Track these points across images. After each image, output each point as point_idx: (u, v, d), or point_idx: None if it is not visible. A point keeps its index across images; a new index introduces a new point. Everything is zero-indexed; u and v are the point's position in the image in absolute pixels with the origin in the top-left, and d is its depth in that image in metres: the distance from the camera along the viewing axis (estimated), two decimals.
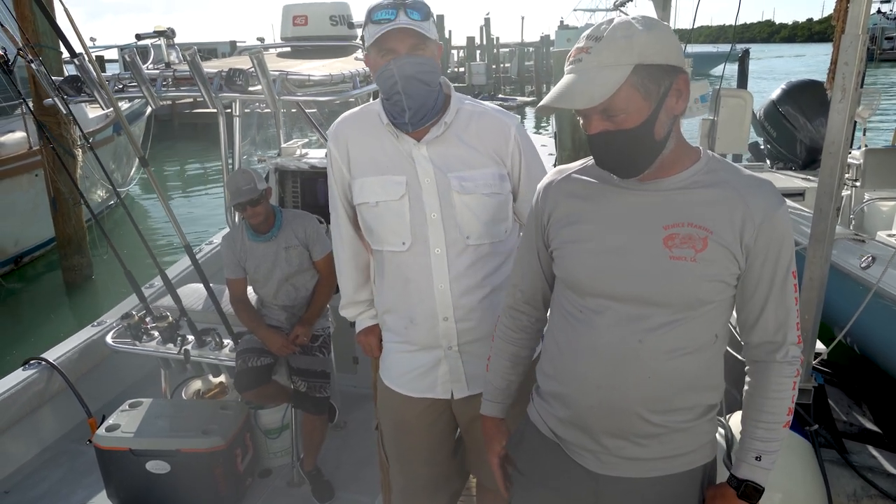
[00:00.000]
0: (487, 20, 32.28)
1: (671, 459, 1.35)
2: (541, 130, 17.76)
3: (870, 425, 2.92)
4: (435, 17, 1.66)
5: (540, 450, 1.47)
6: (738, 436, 1.54)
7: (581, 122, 1.27)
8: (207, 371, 3.30)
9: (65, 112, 2.98)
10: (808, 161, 6.62)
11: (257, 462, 3.21)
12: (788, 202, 4.94)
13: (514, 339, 1.58)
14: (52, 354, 3.59)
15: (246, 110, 3.60)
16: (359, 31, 3.69)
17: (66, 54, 3.02)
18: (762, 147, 7.24)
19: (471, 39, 32.05)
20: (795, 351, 1.33)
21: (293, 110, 4.45)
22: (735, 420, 1.92)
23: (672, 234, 1.26)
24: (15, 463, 3.33)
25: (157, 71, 2.91)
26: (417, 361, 1.81)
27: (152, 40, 3.36)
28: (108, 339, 3.37)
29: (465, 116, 1.72)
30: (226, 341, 3.18)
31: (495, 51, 33.78)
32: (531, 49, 36.77)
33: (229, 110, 3.35)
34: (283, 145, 4.33)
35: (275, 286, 3.00)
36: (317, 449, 3.09)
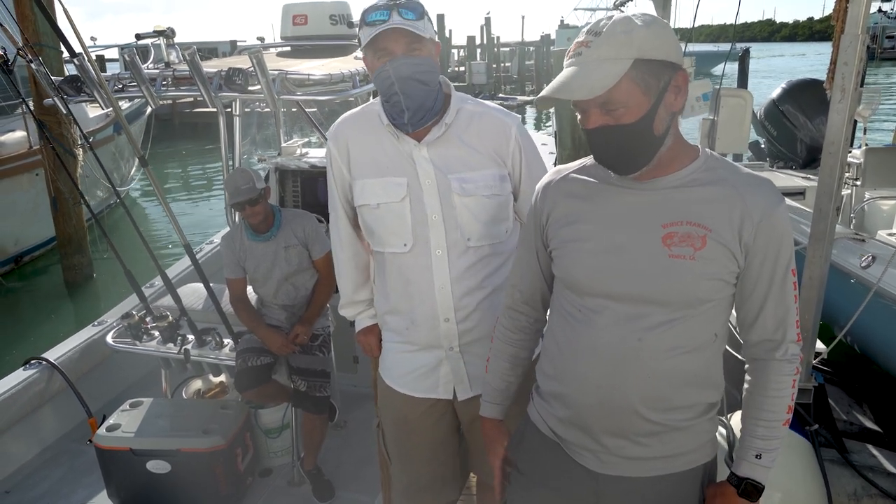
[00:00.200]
0: (488, 19, 32.25)
1: (671, 459, 1.35)
2: (541, 129, 17.74)
3: (870, 424, 2.92)
4: (434, 16, 1.66)
5: (540, 450, 1.47)
6: (739, 435, 1.54)
7: (579, 117, 1.27)
8: (208, 371, 3.30)
9: (65, 112, 2.98)
10: (809, 160, 6.62)
11: (258, 461, 3.21)
12: (789, 201, 4.95)
13: (512, 340, 1.58)
14: (52, 354, 3.60)
15: (246, 110, 3.60)
16: (357, 30, 3.69)
17: (65, 54, 3.02)
18: (762, 146, 7.24)
19: (471, 39, 32.02)
20: (795, 349, 1.33)
21: (293, 110, 4.45)
22: (736, 420, 1.92)
23: (671, 232, 1.25)
24: (15, 463, 3.33)
25: (157, 70, 2.91)
26: (419, 362, 1.81)
27: (152, 40, 3.36)
28: (109, 338, 3.37)
29: (466, 117, 1.71)
30: (226, 341, 3.18)
31: (496, 50, 33.74)
32: (531, 48, 36.76)
33: (229, 110, 3.35)
34: (283, 145, 4.33)
35: (274, 286, 3.00)
36: (317, 448, 3.09)
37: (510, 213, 1.78)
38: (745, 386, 1.38)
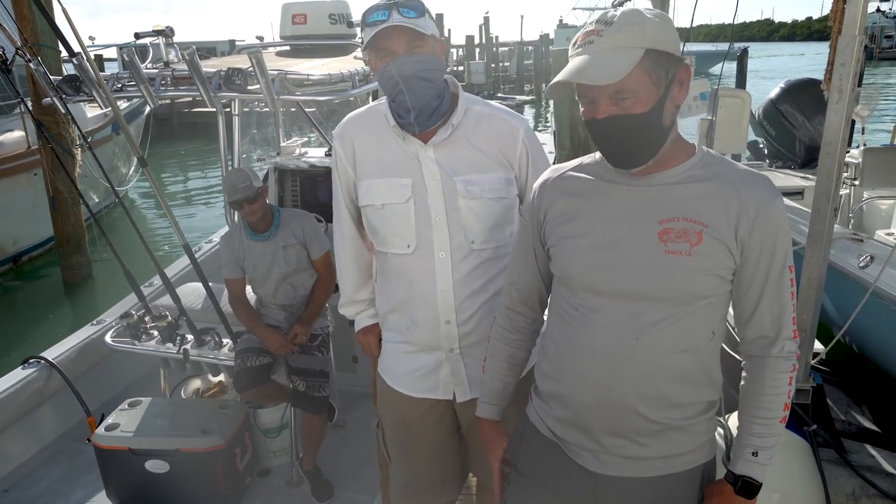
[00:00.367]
0: (487, 19, 32.27)
1: (670, 459, 1.35)
2: (539, 128, 17.74)
3: (868, 424, 2.93)
4: (434, 15, 1.65)
5: (539, 450, 1.47)
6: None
7: (583, 109, 1.26)
8: (206, 370, 3.30)
9: (63, 111, 2.98)
10: (808, 160, 6.62)
11: (256, 461, 3.21)
12: (787, 201, 4.95)
13: (510, 340, 1.58)
14: (51, 353, 3.59)
15: (245, 109, 3.59)
16: (358, 30, 3.70)
17: (64, 53, 3.02)
18: (761, 146, 7.25)
19: (470, 38, 32.02)
20: (791, 346, 1.32)
21: (292, 109, 4.45)
22: (734, 420, 1.92)
23: (667, 228, 1.26)
24: (14, 461, 3.33)
25: (156, 70, 2.91)
26: (419, 362, 1.81)
27: (151, 39, 3.36)
28: (108, 338, 3.37)
29: (474, 118, 1.70)
30: (225, 341, 3.17)
31: (494, 49, 33.76)
32: (530, 48, 36.75)
33: (228, 109, 3.35)
34: (283, 144, 4.33)
35: (273, 285, 3.00)
36: (316, 448, 3.09)
37: (515, 216, 1.77)
38: (742, 383, 1.38)
